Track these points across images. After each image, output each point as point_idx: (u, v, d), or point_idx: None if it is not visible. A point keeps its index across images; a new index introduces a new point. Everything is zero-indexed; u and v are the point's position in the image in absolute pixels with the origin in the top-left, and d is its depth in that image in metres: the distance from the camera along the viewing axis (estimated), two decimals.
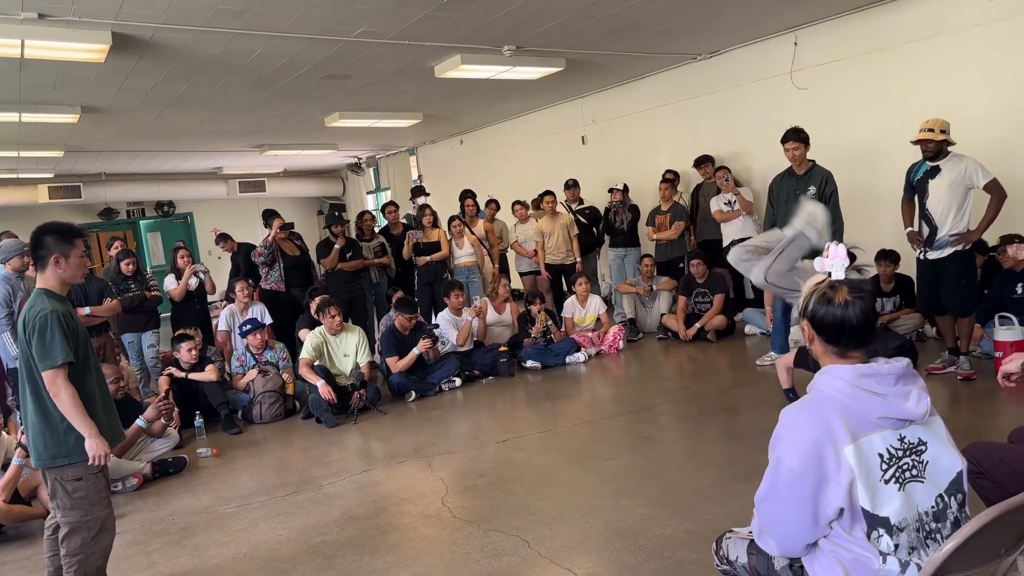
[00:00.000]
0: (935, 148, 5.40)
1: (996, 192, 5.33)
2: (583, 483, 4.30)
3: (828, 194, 6.00)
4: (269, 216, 8.20)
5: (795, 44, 8.08)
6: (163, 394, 5.86)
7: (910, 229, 5.69)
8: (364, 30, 6.57)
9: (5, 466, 4.48)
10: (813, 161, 6.14)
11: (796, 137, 6.07)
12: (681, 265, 8.71)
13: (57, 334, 3.02)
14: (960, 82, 6.82)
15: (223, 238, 9.22)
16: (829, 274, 1.99)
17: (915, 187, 5.62)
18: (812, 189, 6.02)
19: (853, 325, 1.91)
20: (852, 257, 1.98)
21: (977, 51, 6.71)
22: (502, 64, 7.95)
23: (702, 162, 8.92)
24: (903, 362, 1.95)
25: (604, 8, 6.60)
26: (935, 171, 5.45)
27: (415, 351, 6.75)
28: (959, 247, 5.43)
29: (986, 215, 5.36)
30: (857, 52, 7.59)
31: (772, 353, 6.54)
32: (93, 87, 7.73)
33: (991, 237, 6.25)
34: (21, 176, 13.85)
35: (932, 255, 5.55)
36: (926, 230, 5.54)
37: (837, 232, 5.94)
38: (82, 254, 3.22)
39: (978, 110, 6.64)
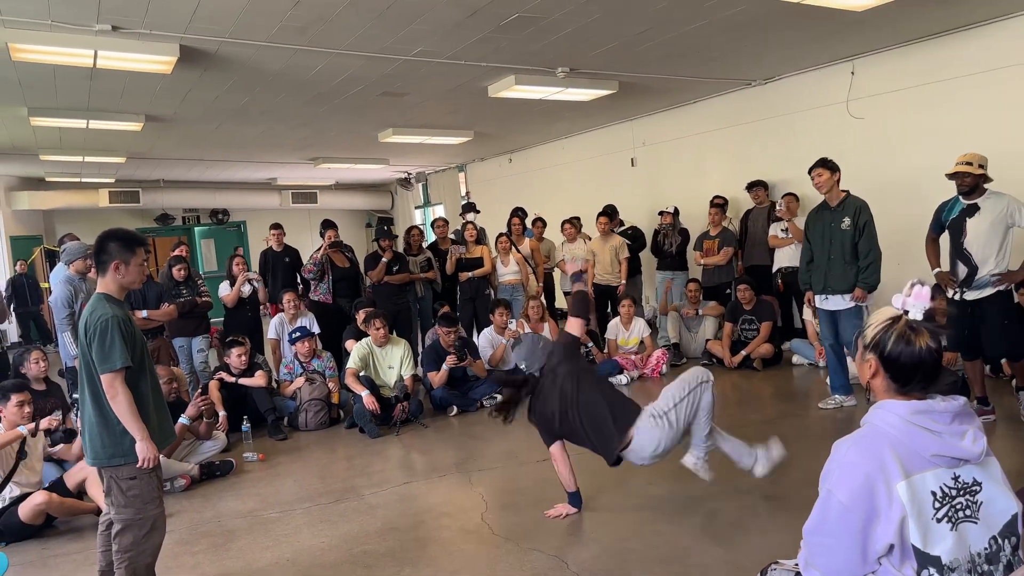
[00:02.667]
0: (971, 183, 5.16)
1: None
2: (623, 507, 4.29)
3: (862, 225, 5.80)
4: (325, 227, 8.32)
5: (852, 73, 8.00)
6: (200, 390, 5.97)
7: (938, 270, 5.40)
8: (422, 49, 6.70)
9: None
10: (847, 192, 5.97)
11: (823, 164, 5.88)
12: (728, 291, 8.63)
13: (117, 339, 3.12)
14: (1018, 117, 6.68)
15: (276, 226, 8.94)
16: (906, 312, 1.96)
17: (949, 226, 5.33)
18: (847, 220, 5.82)
19: (927, 370, 1.90)
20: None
21: None
22: (555, 85, 8.01)
23: (754, 186, 8.86)
24: (960, 400, 1.93)
25: (659, 33, 6.64)
26: (973, 209, 5.19)
27: (444, 366, 6.79)
28: (1001, 287, 5.16)
29: None
30: (915, 84, 7.49)
31: (836, 396, 6.20)
32: (158, 97, 7.99)
33: None
34: (84, 180, 14.32)
35: (971, 295, 5.23)
36: (963, 270, 5.25)
37: (873, 264, 5.74)
38: (142, 262, 3.33)
39: None
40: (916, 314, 1.93)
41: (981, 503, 1.86)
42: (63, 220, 15.33)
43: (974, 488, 1.87)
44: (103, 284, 3.28)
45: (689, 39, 6.86)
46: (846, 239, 5.81)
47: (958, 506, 1.84)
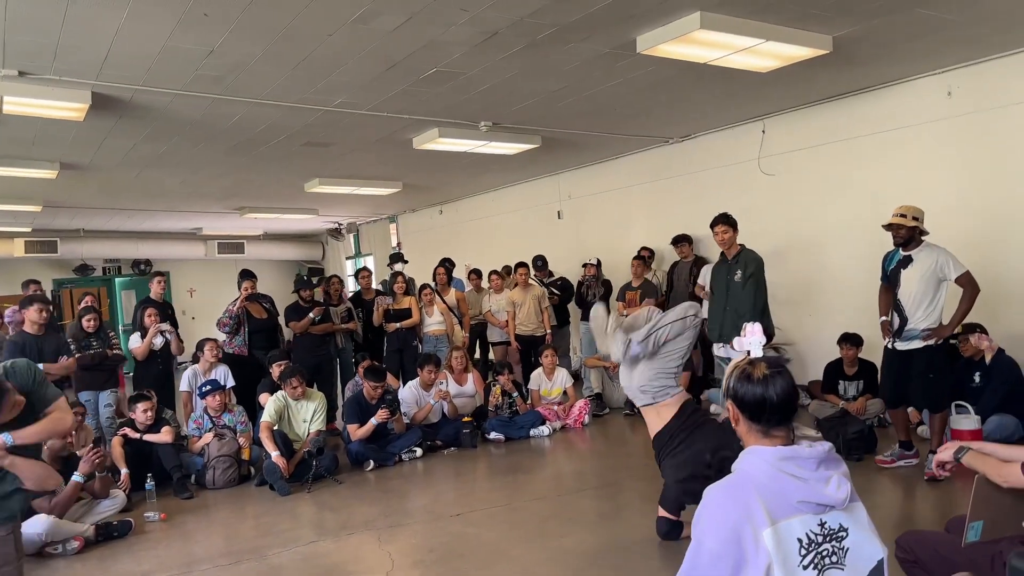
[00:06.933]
0: (905, 235, 5.22)
1: (969, 286, 5.14)
2: (534, 561, 4.21)
3: (747, 276, 6.12)
4: (243, 277, 8.10)
5: (763, 132, 8.33)
6: (92, 444, 5.69)
7: (884, 318, 5.48)
8: (342, 101, 6.72)
9: None
10: (742, 245, 6.31)
11: (725, 221, 6.25)
12: None
13: None
14: (919, 175, 7.01)
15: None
16: (748, 352, 2.03)
17: (889, 276, 5.42)
18: (739, 273, 6.17)
19: (774, 402, 1.93)
20: (770, 336, 2.04)
21: (935, 146, 6.93)
22: (479, 139, 8.12)
23: (679, 241, 9.03)
24: (825, 446, 1.96)
25: (576, 91, 6.80)
26: (907, 260, 5.27)
27: (373, 421, 6.64)
28: (930, 342, 5.20)
29: (958, 309, 5.17)
30: (822, 142, 7.83)
31: None
32: (73, 144, 7.80)
33: None
34: None
35: (900, 346, 5.32)
36: (896, 320, 5.34)
37: (762, 312, 6.01)
38: None
39: (936, 203, 6.75)
40: (756, 351, 2.00)
41: (847, 549, 1.89)
42: None
43: (840, 534, 1.89)
44: None
45: (605, 97, 7.05)
46: (738, 290, 6.15)
47: (824, 552, 1.86)
